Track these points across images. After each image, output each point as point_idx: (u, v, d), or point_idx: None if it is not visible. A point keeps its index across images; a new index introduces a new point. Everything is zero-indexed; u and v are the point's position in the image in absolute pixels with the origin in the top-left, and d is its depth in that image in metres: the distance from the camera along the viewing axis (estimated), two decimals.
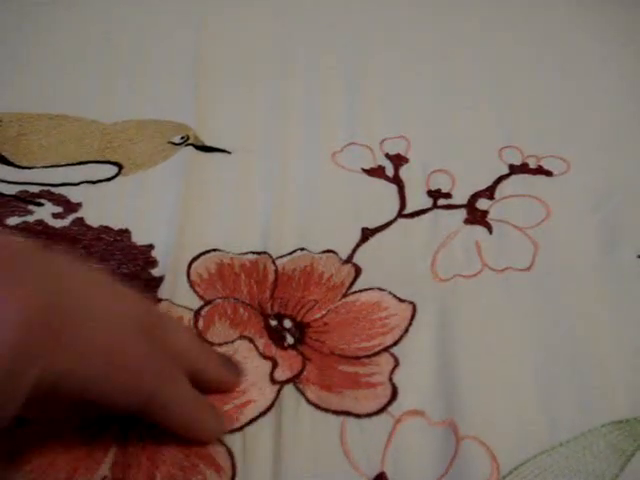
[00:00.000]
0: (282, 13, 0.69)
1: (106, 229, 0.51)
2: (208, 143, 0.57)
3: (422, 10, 0.71)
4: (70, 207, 0.52)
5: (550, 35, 0.68)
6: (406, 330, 0.46)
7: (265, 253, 0.50)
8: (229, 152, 0.57)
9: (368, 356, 0.45)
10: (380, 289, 0.48)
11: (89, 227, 0.51)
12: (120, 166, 0.55)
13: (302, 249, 0.50)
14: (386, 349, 0.45)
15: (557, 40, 0.68)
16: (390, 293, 0.48)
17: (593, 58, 0.66)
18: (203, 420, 0.41)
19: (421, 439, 0.41)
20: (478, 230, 0.51)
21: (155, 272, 0.49)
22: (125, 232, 0.51)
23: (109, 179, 0.54)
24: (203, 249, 0.50)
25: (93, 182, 0.53)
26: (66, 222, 0.51)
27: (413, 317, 0.46)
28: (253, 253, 0.50)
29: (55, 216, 0.51)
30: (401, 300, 0.47)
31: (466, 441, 0.41)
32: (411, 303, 0.47)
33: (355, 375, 0.44)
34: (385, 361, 0.44)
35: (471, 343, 0.45)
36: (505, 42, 0.67)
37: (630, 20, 0.71)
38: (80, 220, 0.51)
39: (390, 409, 0.42)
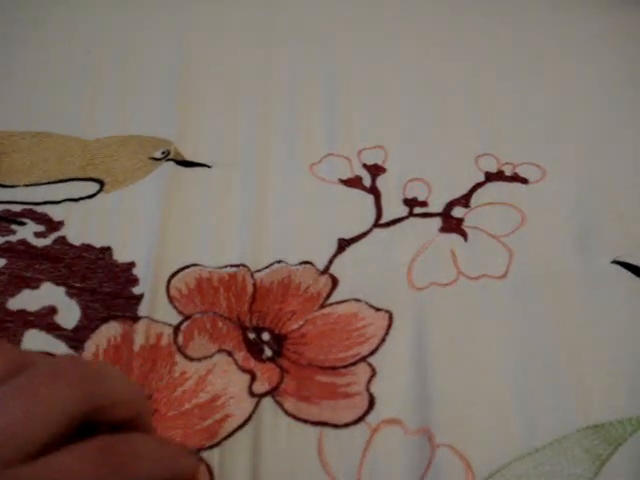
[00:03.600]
0: (262, 27, 0.69)
1: (88, 247, 0.52)
2: (189, 157, 0.58)
3: (398, 21, 0.71)
4: (52, 226, 0.53)
5: (526, 43, 0.69)
6: (383, 339, 0.46)
7: (244, 266, 0.51)
8: (209, 166, 0.57)
9: (345, 366, 0.45)
10: (357, 300, 0.49)
11: (71, 245, 0.52)
12: (102, 183, 0.55)
13: (280, 261, 0.51)
14: (363, 359, 0.46)
15: (533, 48, 0.68)
16: (367, 303, 0.48)
17: (569, 66, 0.67)
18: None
19: (397, 448, 0.42)
20: (453, 238, 0.52)
21: (136, 290, 0.49)
22: (107, 250, 0.51)
23: (91, 196, 0.55)
24: (182, 264, 0.51)
25: (75, 200, 0.54)
26: (48, 241, 0.52)
27: (390, 326, 0.47)
28: (232, 266, 0.51)
29: (37, 235, 0.52)
30: (377, 309, 0.48)
31: (441, 449, 0.41)
32: (387, 312, 0.48)
33: (333, 386, 0.44)
34: (362, 371, 0.45)
35: (447, 351, 0.46)
36: (481, 50, 0.68)
37: (608, 26, 0.72)
38: (62, 239, 0.52)
39: (367, 419, 0.43)
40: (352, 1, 0.73)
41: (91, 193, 0.55)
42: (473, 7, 0.73)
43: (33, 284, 0.49)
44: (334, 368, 0.45)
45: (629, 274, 0.49)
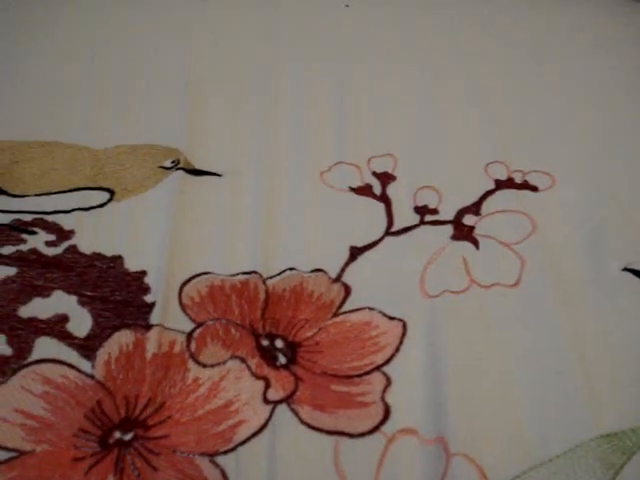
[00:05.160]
0: (268, 35, 0.69)
1: (99, 256, 0.51)
2: (198, 166, 0.58)
3: (408, 30, 0.71)
4: (63, 235, 0.52)
5: (535, 52, 0.69)
6: (397, 348, 0.46)
7: (255, 273, 0.51)
8: (219, 175, 0.57)
9: (360, 375, 0.45)
10: (370, 308, 0.49)
11: (82, 254, 0.51)
12: (112, 192, 0.55)
13: (291, 269, 0.51)
14: (378, 368, 0.46)
15: (542, 57, 0.69)
16: (380, 312, 0.48)
17: (578, 74, 0.67)
18: None
19: (413, 458, 0.42)
20: (465, 246, 0.52)
21: (147, 298, 0.49)
22: (118, 258, 0.51)
23: (101, 205, 0.54)
24: (194, 272, 0.51)
25: (85, 209, 0.54)
26: (59, 250, 0.52)
27: (404, 335, 0.47)
28: (243, 273, 0.51)
29: (48, 244, 0.52)
30: (391, 318, 0.48)
31: (456, 458, 0.41)
32: (401, 321, 0.48)
33: (348, 395, 0.44)
34: (377, 380, 0.45)
35: (460, 360, 0.46)
36: (490, 59, 0.68)
37: (616, 33, 0.72)
38: (73, 247, 0.52)
39: (383, 428, 0.43)
40: (360, 11, 0.73)
41: (101, 202, 0.55)
42: (478, 19, 0.73)
43: (44, 292, 0.49)
44: (349, 377, 0.45)
45: (639, 281, 0.49)
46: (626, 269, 0.50)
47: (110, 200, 0.55)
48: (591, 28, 0.72)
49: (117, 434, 0.43)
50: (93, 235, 0.53)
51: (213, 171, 0.57)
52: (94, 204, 0.55)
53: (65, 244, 0.52)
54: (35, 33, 0.70)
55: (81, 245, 0.52)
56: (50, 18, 0.72)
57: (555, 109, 0.63)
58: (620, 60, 0.68)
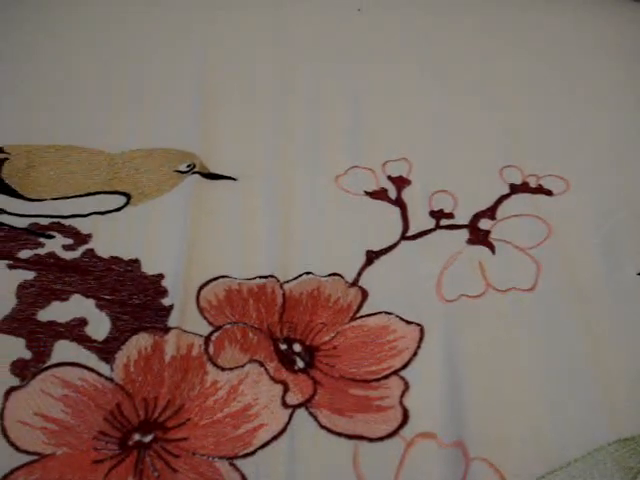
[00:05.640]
0: (282, 39, 0.69)
1: (116, 260, 0.52)
2: (214, 170, 0.58)
3: (423, 34, 0.71)
4: (80, 239, 0.53)
5: (550, 56, 0.69)
6: (415, 353, 0.47)
7: (272, 277, 0.51)
8: (234, 179, 0.57)
9: (378, 379, 0.46)
10: (387, 313, 0.49)
11: (100, 258, 0.52)
12: (128, 196, 0.56)
13: (308, 273, 0.51)
14: (396, 372, 0.46)
15: (556, 60, 0.69)
16: (397, 316, 0.49)
17: (593, 77, 0.67)
18: None
19: (432, 462, 0.42)
20: (481, 250, 0.52)
21: (165, 301, 0.50)
22: (135, 262, 0.52)
23: (118, 209, 0.55)
24: (211, 276, 0.51)
25: (102, 213, 0.54)
26: (77, 254, 0.52)
27: (421, 339, 0.47)
28: (260, 277, 0.51)
29: (66, 248, 0.52)
30: (408, 322, 0.48)
31: (476, 462, 0.42)
32: (418, 325, 0.48)
33: (366, 399, 0.45)
34: (395, 384, 0.45)
35: (478, 364, 0.46)
36: (505, 64, 0.68)
37: (633, 38, 0.72)
38: (91, 251, 0.52)
39: (402, 432, 0.43)
40: (373, 15, 0.73)
41: (118, 206, 0.55)
42: (493, 25, 0.73)
43: (63, 296, 0.50)
44: (367, 381, 0.45)
45: None
46: None
47: (127, 204, 0.55)
48: (607, 33, 0.72)
49: (137, 436, 0.44)
50: (110, 239, 0.53)
51: (228, 175, 0.58)
52: (111, 208, 0.55)
53: (83, 248, 0.52)
54: (51, 37, 0.70)
55: (98, 249, 0.52)
56: (66, 21, 0.72)
57: (570, 113, 0.63)
58: (637, 65, 0.68)
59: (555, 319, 0.48)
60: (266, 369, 0.46)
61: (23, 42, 0.69)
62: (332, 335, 0.48)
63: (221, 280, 0.51)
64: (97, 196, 0.56)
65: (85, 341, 0.48)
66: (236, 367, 0.46)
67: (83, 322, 0.49)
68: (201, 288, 0.50)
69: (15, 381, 0.45)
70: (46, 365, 0.46)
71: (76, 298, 0.50)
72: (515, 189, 0.57)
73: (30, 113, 0.62)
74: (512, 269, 0.51)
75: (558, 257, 0.52)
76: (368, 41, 0.70)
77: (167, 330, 0.48)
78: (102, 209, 0.55)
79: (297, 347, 0.47)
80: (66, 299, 0.49)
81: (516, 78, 0.67)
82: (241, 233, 0.54)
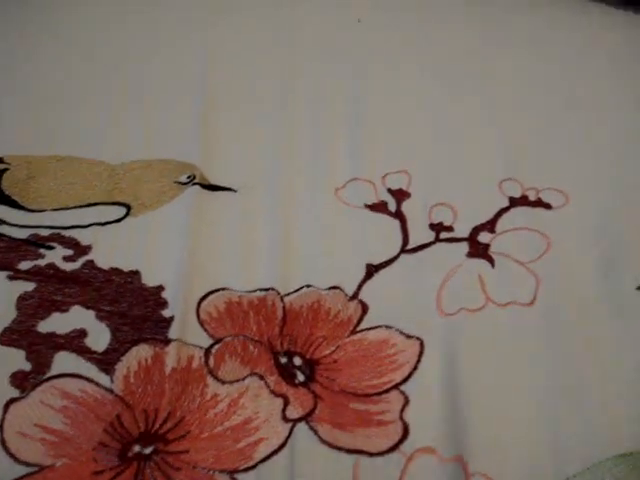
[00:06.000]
0: (283, 50, 0.69)
1: (116, 271, 0.52)
2: (214, 181, 0.58)
3: (423, 45, 0.71)
4: (80, 250, 0.53)
5: (549, 70, 0.69)
6: (415, 367, 0.47)
7: (273, 289, 0.51)
8: (234, 190, 0.57)
9: (379, 394, 0.46)
10: (387, 326, 0.49)
11: (100, 269, 0.52)
12: (128, 207, 0.56)
13: (308, 286, 0.51)
14: (396, 386, 0.46)
15: (557, 74, 0.69)
16: (397, 330, 0.49)
17: (593, 91, 0.67)
18: None
19: (432, 476, 0.42)
20: (480, 263, 0.52)
21: (165, 313, 0.50)
22: (135, 274, 0.52)
23: (118, 220, 0.55)
24: (211, 288, 0.51)
25: (102, 224, 0.54)
26: (77, 265, 0.52)
27: (421, 353, 0.47)
28: (261, 290, 0.51)
29: (66, 259, 0.52)
30: (408, 336, 0.48)
31: (475, 477, 0.42)
32: (418, 339, 0.48)
33: (366, 413, 0.45)
34: (395, 399, 0.45)
35: (478, 379, 0.46)
36: (504, 77, 0.68)
37: (632, 49, 0.72)
38: (91, 263, 0.52)
39: (402, 447, 0.43)
40: (373, 26, 0.74)
41: (118, 217, 0.55)
42: (495, 36, 0.73)
43: (63, 307, 0.50)
44: (367, 395, 0.46)
45: None
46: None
47: (127, 215, 0.55)
48: (607, 44, 0.72)
49: (137, 448, 0.44)
50: (110, 250, 0.53)
51: (229, 186, 0.58)
52: (111, 219, 0.55)
53: (83, 259, 0.52)
54: (51, 49, 0.70)
55: (98, 260, 0.52)
56: (68, 30, 0.72)
57: (570, 124, 0.63)
58: (636, 77, 0.68)
59: (555, 334, 0.48)
60: (266, 383, 0.46)
61: (18, 49, 0.69)
62: (332, 349, 0.48)
63: (221, 292, 0.51)
64: (97, 207, 0.56)
65: (85, 352, 0.48)
66: (236, 380, 0.46)
67: (83, 333, 0.49)
68: (201, 300, 0.51)
69: (15, 392, 0.45)
70: (46, 376, 0.46)
71: (76, 309, 0.50)
72: (514, 202, 0.57)
73: (29, 122, 0.62)
74: (511, 283, 0.51)
75: (557, 271, 0.52)
76: (369, 53, 0.70)
77: (167, 342, 0.48)
78: (102, 220, 0.55)
79: (297, 360, 0.48)
80: (66, 310, 0.49)
81: (518, 91, 0.67)
82: (241, 245, 0.54)
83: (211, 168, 0.59)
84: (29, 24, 0.71)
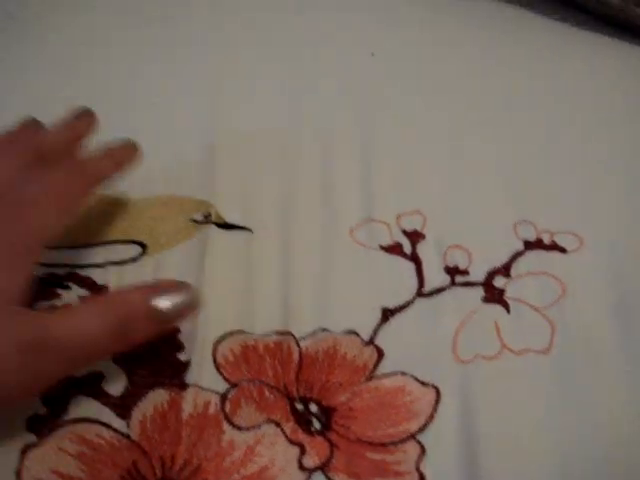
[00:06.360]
0: (295, 86, 0.70)
1: None
2: (229, 219, 0.58)
3: (436, 83, 0.71)
4: (96, 289, 0.53)
5: (565, 110, 0.69)
6: (431, 416, 0.47)
7: (289, 333, 0.51)
8: (250, 230, 0.57)
9: (394, 443, 0.46)
10: (403, 373, 0.49)
11: None
12: (144, 246, 0.56)
13: (324, 329, 0.51)
14: (412, 436, 0.46)
15: (571, 115, 0.69)
16: (413, 377, 0.49)
17: (608, 131, 0.67)
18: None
19: None
20: (496, 309, 0.53)
21: (182, 356, 0.50)
22: None
23: (134, 259, 0.55)
24: (227, 330, 0.51)
25: (118, 263, 0.54)
26: None
27: (437, 402, 0.48)
28: (277, 333, 0.51)
29: (82, 299, 0.52)
30: (424, 384, 0.48)
31: None
32: (434, 387, 0.48)
33: (383, 463, 0.45)
34: (412, 448, 0.46)
35: (493, 429, 0.46)
36: (520, 117, 0.68)
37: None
38: None
39: None
40: (387, 59, 0.74)
41: (134, 256, 0.55)
42: (509, 80, 0.73)
43: None
44: (384, 445, 0.46)
45: None
46: None
47: (142, 254, 0.56)
48: (621, 85, 0.72)
49: None
50: None
51: (244, 225, 0.58)
52: (127, 258, 0.55)
53: None
54: (57, 81, 0.71)
55: None
56: (70, 73, 0.72)
57: (584, 167, 0.63)
58: None
59: (570, 384, 0.48)
60: (283, 430, 0.46)
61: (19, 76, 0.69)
62: (348, 396, 0.48)
63: (237, 335, 0.51)
64: (114, 245, 0.56)
65: (102, 396, 0.48)
66: (252, 427, 0.46)
67: (99, 377, 0.49)
68: (217, 343, 0.51)
69: (31, 437, 0.45)
70: (62, 421, 0.46)
71: None
72: (529, 246, 0.57)
73: None
74: (527, 329, 0.51)
75: (573, 318, 0.52)
76: (382, 89, 0.70)
77: (184, 386, 0.48)
78: (118, 259, 0.55)
79: (313, 407, 0.48)
80: None
81: (532, 133, 0.67)
82: (257, 286, 0.54)
83: (226, 206, 0.59)
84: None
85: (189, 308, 0.47)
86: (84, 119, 0.55)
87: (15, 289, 0.43)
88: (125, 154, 0.54)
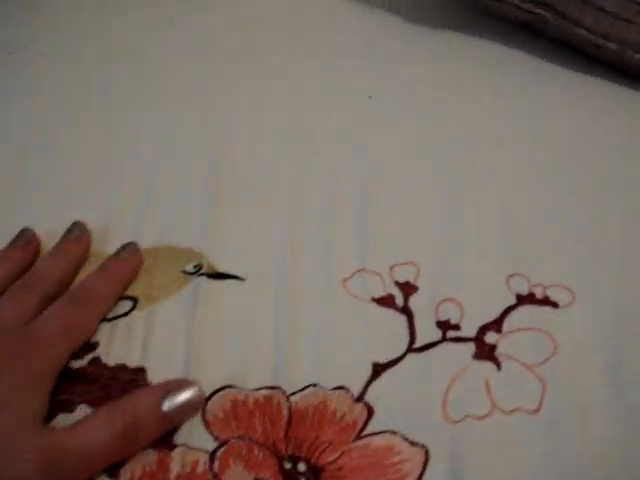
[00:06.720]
0: (294, 139, 0.70)
1: (122, 368, 0.52)
2: (221, 266, 0.58)
3: (436, 129, 0.71)
4: (87, 346, 0.53)
5: (559, 160, 0.69)
6: (420, 477, 0.47)
7: (278, 388, 0.51)
8: (242, 279, 0.57)
9: None
10: (393, 432, 0.49)
11: (105, 366, 0.52)
12: (135, 300, 0.56)
13: (314, 385, 0.51)
14: None
15: (567, 165, 0.68)
16: (402, 436, 0.48)
17: (604, 179, 0.67)
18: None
19: None
20: (487, 366, 0.52)
21: None
22: (141, 371, 0.52)
23: (125, 314, 0.55)
24: (217, 385, 0.51)
25: (108, 319, 0.54)
26: (84, 362, 0.52)
27: (426, 463, 0.47)
28: (267, 388, 0.51)
29: (73, 356, 0.52)
30: (413, 444, 0.48)
31: None
32: (423, 447, 0.48)
33: None
34: None
35: None
36: (516, 167, 0.68)
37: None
38: (97, 359, 0.52)
39: None
40: (383, 104, 0.74)
41: (125, 311, 0.55)
42: (504, 127, 0.73)
43: (69, 407, 0.50)
44: None
45: None
46: None
47: (133, 308, 0.55)
48: (616, 131, 0.72)
49: None
50: (116, 346, 0.53)
51: (236, 274, 0.58)
52: (118, 313, 0.55)
53: (89, 356, 0.52)
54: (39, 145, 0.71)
55: (104, 357, 0.52)
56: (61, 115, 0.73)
57: (580, 219, 0.63)
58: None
59: (562, 445, 0.48)
60: None
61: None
62: (337, 454, 0.48)
63: (227, 390, 0.51)
64: None
65: None
66: None
67: None
68: (207, 400, 0.50)
69: None
70: None
71: (82, 408, 0.50)
72: (522, 300, 0.56)
73: (31, 213, 0.63)
74: (517, 388, 0.51)
75: (564, 376, 0.51)
76: (376, 136, 0.70)
77: (173, 447, 0.48)
78: (109, 315, 0.55)
79: (302, 467, 0.47)
80: (72, 410, 0.49)
81: (528, 184, 0.67)
82: (248, 339, 0.54)
83: (218, 255, 0.59)
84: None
85: (195, 407, 0.49)
86: (77, 239, 0.58)
87: (37, 409, 0.47)
88: (116, 268, 0.57)
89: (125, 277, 0.56)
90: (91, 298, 0.54)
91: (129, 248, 0.58)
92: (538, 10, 0.77)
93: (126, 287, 0.56)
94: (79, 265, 0.57)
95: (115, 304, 0.55)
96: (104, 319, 0.54)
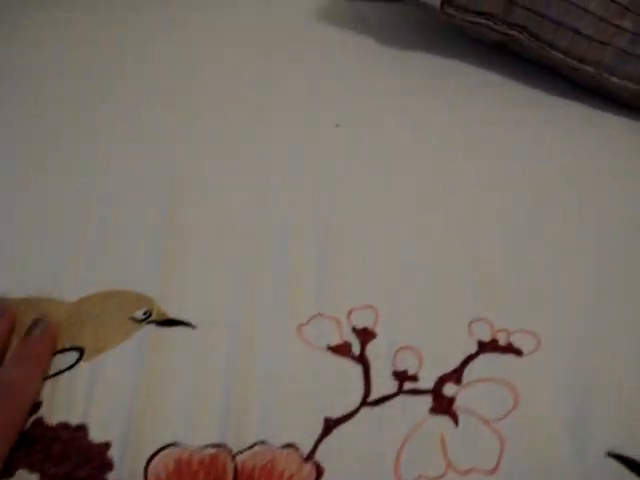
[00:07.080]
0: (250, 183, 0.67)
1: (64, 426, 0.50)
2: (172, 313, 0.56)
3: (394, 173, 0.69)
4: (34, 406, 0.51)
5: (533, 201, 0.66)
6: None
7: (224, 446, 0.49)
8: (193, 326, 0.55)
9: None
10: None
11: (47, 426, 0.50)
12: (81, 350, 0.54)
13: (262, 442, 0.49)
14: None
15: (538, 208, 0.66)
16: None
17: (577, 222, 0.64)
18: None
19: None
20: (443, 421, 0.50)
21: (111, 476, 0.48)
22: (82, 428, 0.50)
23: (69, 368, 0.53)
24: (162, 443, 0.49)
25: (52, 376, 0.52)
26: (27, 425, 0.50)
27: None
28: (212, 446, 0.49)
29: None
30: None
31: None
32: None
33: None
34: None
35: None
36: (480, 209, 0.65)
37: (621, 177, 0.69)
38: (39, 420, 0.50)
39: None
40: (350, 133, 0.72)
41: (69, 364, 0.53)
42: (474, 165, 0.71)
43: (8, 471, 0.47)
44: None
45: (622, 468, 0.47)
46: (610, 454, 0.48)
47: (79, 360, 0.53)
48: (593, 173, 0.69)
49: None
50: (60, 402, 0.51)
51: (187, 321, 0.56)
52: (62, 367, 0.53)
53: (33, 418, 0.50)
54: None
55: (47, 415, 0.50)
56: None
57: (547, 262, 0.60)
58: (625, 209, 0.66)
59: None
60: None
61: None
62: None
63: (171, 449, 0.49)
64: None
65: None
66: None
67: None
68: (150, 460, 0.48)
69: None
70: None
71: (20, 474, 0.47)
72: (483, 347, 0.54)
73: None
74: (474, 445, 0.48)
75: (523, 431, 0.49)
76: (340, 179, 0.68)
77: None
78: (54, 370, 0.52)
79: None
80: (11, 475, 0.47)
81: (493, 218, 0.65)
82: (195, 392, 0.52)
83: (169, 300, 0.57)
84: None
85: None
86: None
87: None
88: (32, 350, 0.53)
89: (42, 359, 0.53)
90: (11, 393, 0.50)
91: (41, 326, 0.54)
92: (512, 32, 0.74)
93: (46, 371, 0.52)
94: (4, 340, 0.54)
95: (39, 388, 0.51)
96: (48, 376, 0.52)
